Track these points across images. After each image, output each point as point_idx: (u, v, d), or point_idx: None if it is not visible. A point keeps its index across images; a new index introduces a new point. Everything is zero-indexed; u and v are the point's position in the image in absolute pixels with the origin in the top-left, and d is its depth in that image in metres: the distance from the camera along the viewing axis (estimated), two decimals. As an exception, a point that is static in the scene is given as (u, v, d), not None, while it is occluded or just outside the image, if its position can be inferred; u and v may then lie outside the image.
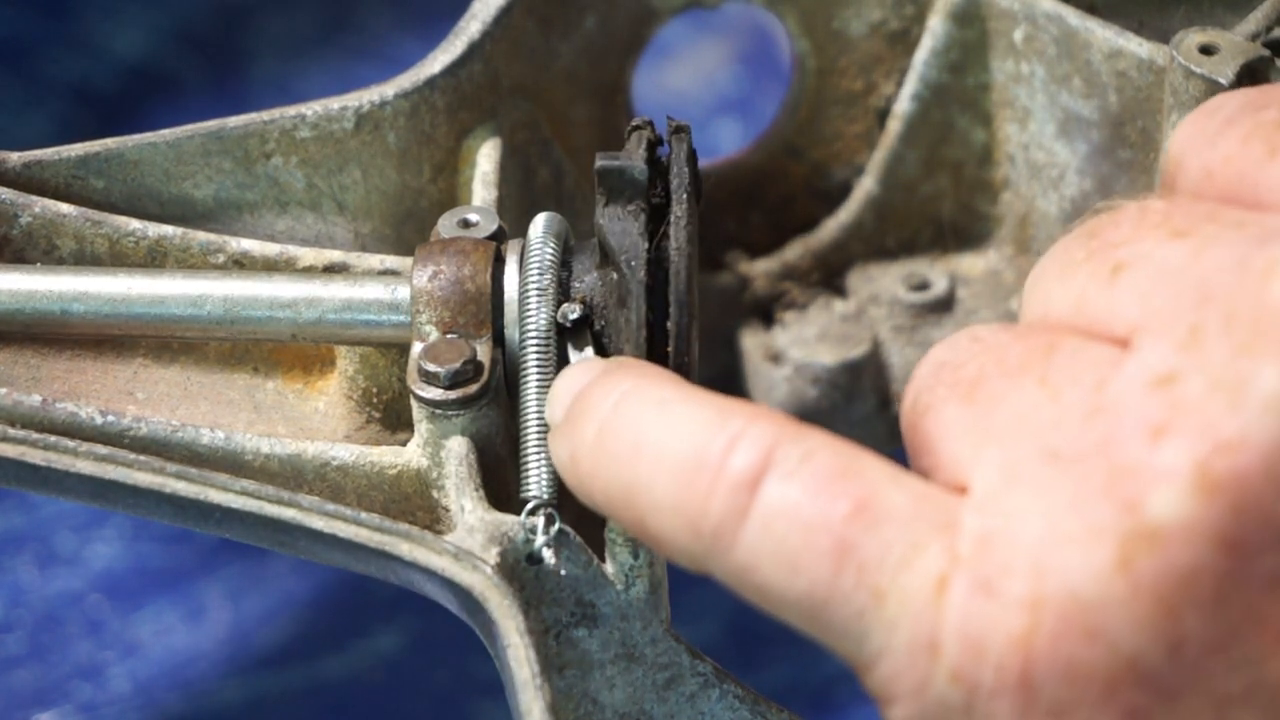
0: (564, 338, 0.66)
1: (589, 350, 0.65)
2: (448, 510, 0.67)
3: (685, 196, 0.64)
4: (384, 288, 0.68)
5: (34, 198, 0.72)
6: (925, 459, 0.55)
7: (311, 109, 0.75)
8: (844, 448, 0.54)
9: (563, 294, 0.66)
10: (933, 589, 0.52)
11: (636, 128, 0.66)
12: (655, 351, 0.64)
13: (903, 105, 0.83)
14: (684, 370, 0.63)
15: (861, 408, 0.83)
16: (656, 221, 0.65)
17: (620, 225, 0.65)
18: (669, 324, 0.63)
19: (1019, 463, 0.52)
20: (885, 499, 0.53)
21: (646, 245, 0.64)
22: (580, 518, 0.63)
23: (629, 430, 0.56)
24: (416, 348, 0.67)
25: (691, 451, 0.54)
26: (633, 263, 0.64)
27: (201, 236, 0.73)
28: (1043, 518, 0.51)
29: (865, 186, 0.85)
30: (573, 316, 0.65)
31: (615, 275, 0.65)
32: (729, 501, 0.54)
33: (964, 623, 0.51)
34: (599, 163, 0.65)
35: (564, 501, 0.64)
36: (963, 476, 0.53)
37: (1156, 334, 0.52)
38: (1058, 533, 0.51)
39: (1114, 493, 0.50)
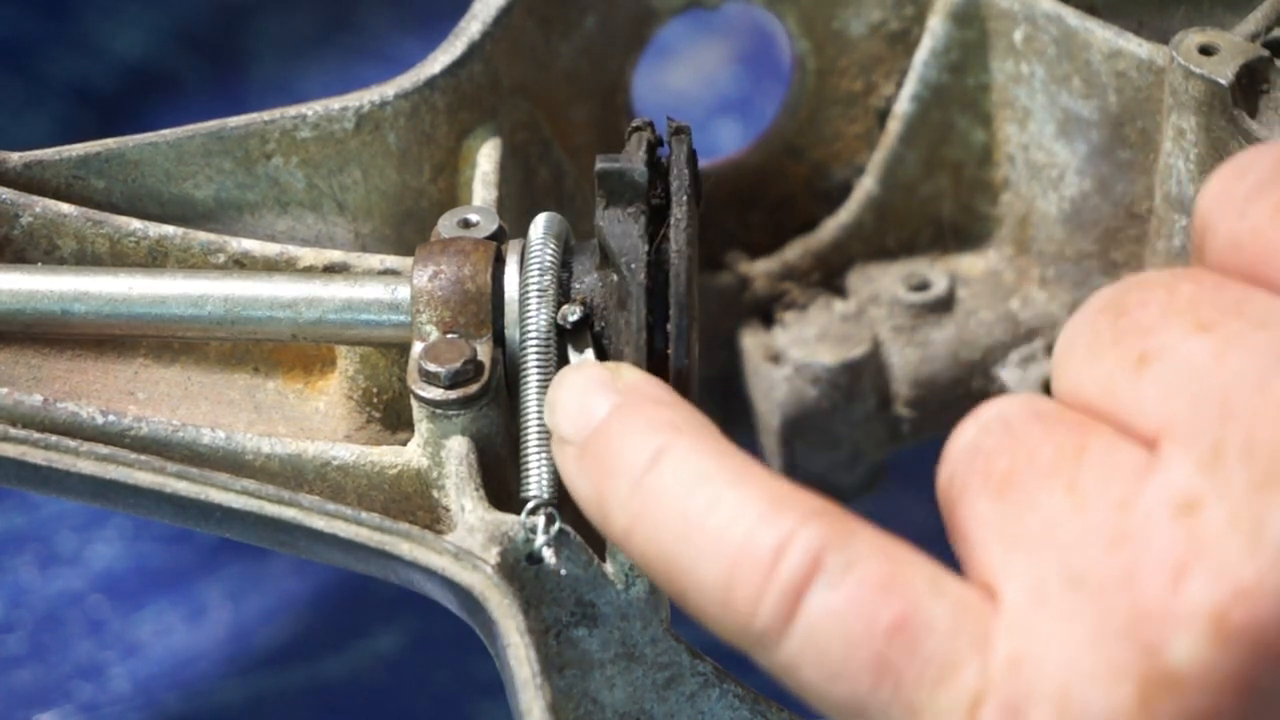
0: (564, 338, 0.66)
1: (589, 352, 0.65)
2: (448, 510, 0.67)
3: (685, 199, 0.64)
4: (384, 288, 0.68)
5: (35, 198, 0.72)
6: (960, 545, 0.57)
7: (311, 109, 0.75)
8: (889, 551, 0.55)
9: (563, 294, 0.66)
10: (966, 709, 0.53)
11: (636, 129, 0.66)
12: (655, 354, 0.64)
13: (903, 105, 0.83)
14: (684, 373, 0.63)
15: (861, 408, 0.83)
16: (657, 223, 0.65)
17: (620, 228, 0.65)
18: (669, 326, 0.63)
19: (1046, 581, 0.53)
20: (925, 613, 0.54)
21: (646, 248, 0.64)
22: (580, 518, 0.63)
23: (673, 507, 0.57)
24: (417, 348, 0.67)
25: (743, 550, 0.55)
26: (633, 265, 0.64)
27: (202, 236, 0.73)
28: (1068, 648, 0.52)
29: (865, 186, 0.85)
30: (573, 318, 0.65)
31: (615, 277, 0.65)
32: (776, 608, 0.55)
33: None
34: (599, 165, 0.65)
35: (564, 501, 0.64)
36: (994, 581, 0.55)
37: (1180, 445, 0.53)
38: (1082, 666, 0.52)
39: (1136, 633, 0.52)
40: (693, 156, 0.65)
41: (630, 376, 0.61)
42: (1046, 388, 0.81)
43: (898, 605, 0.54)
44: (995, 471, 0.56)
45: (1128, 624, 0.52)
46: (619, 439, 0.59)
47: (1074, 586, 0.53)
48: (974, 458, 0.57)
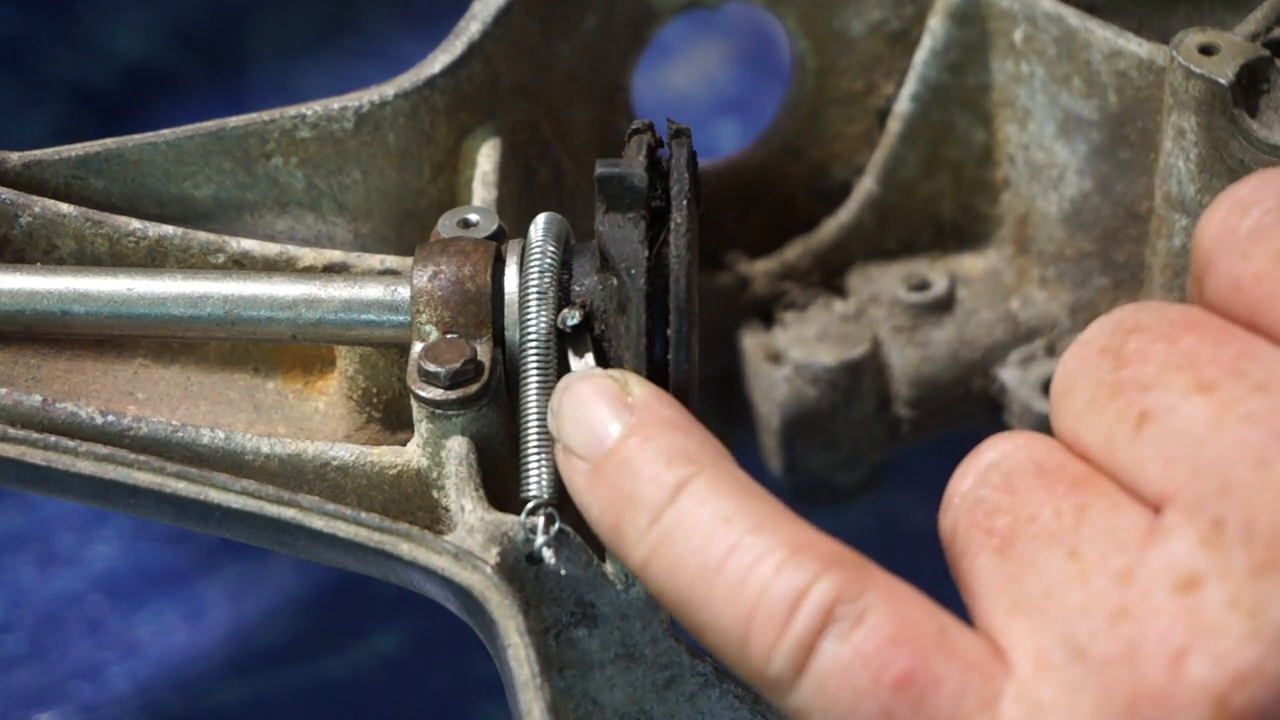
0: (564, 341, 0.65)
1: (589, 357, 0.65)
2: (448, 510, 0.67)
3: (685, 203, 0.64)
4: (384, 288, 0.68)
5: (34, 198, 0.72)
6: (966, 598, 0.57)
7: (311, 109, 0.75)
8: (899, 602, 0.55)
9: (563, 295, 0.66)
10: None
11: (636, 131, 0.66)
12: (655, 359, 0.63)
13: (903, 105, 0.83)
14: (685, 379, 0.63)
15: (861, 408, 0.83)
16: (657, 226, 0.65)
17: (620, 233, 0.64)
18: (669, 332, 0.63)
19: (1049, 649, 0.54)
20: (933, 669, 0.54)
21: (647, 253, 0.64)
22: (580, 519, 0.63)
23: (692, 546, 0.57)
24: (416, 348, 0.67)
25: (761, 599, 0.56)
26: (633, 270, 0.64)
27: (201, 236, 0.73)
28: None
29: (865, 186, 0.85)
30: (572, 322, 0.65)
31: (615, 281, 0.65)
32: (789, 658, 0.55)
33: None
34: (599, 170, 0.64)
35: (564, 501, 0.64)
36: (1000, 640, 0.55)
37: (1181, 516, 0.53)
38: None
39: (1137, 713, 0.52)
40: (693, 159, 0.65)
41: (640, 393, 0.61)
42: (1046, 387, 0.81)
43: (905, 660, 0.54)
44: (996, 529, 0.57)
45: (1129, 702, 0.52)
46: (637, 467, 0.59)
47: (1076, 658, 0.53)
48: (975, 510, 0.58)
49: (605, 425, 0.60)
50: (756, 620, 0.56)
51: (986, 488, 0.58)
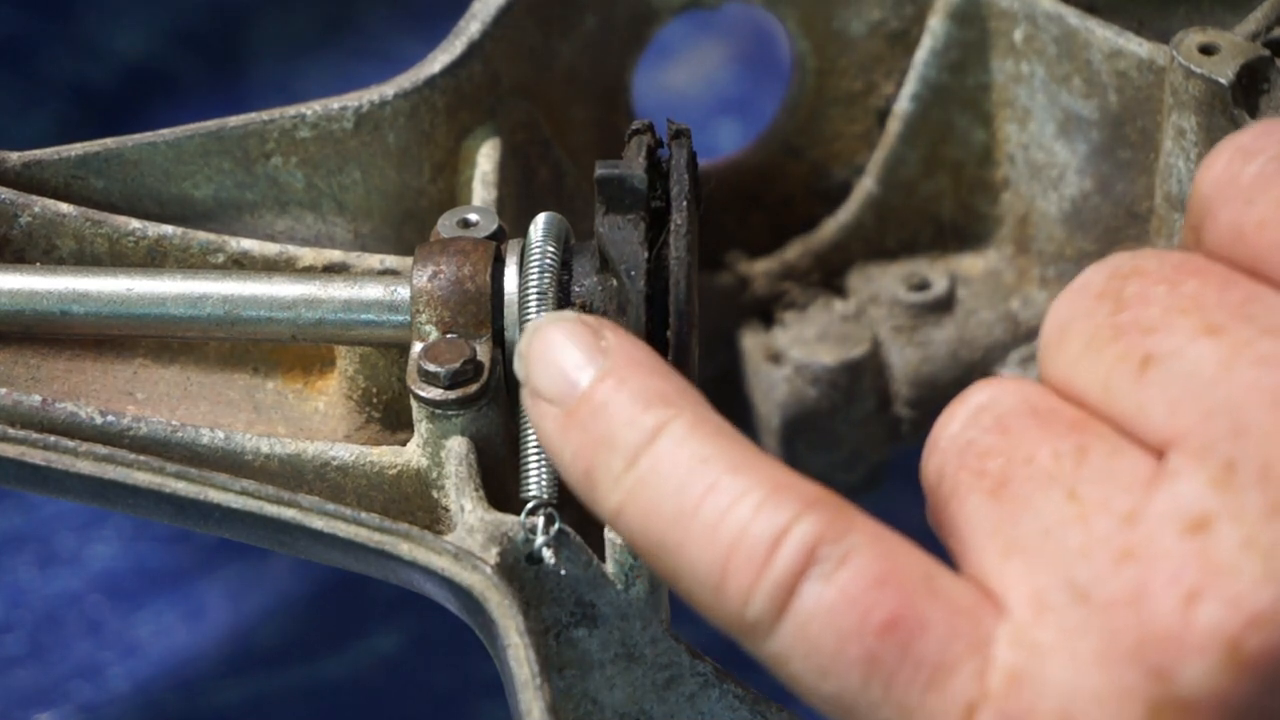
0: (563, 341, 0.65)
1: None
2: (448, 510, 0.67)
3: (685, 204, 0.64)
4: (384, 288, 0.68)
5: (34, 197, 0.72)
6: (951, 543, 0.56)
7: (311, 109, 0.75)
8: (886, 545, 0.54)
9: (563, 295, 0.66)
10: (961, 716, 0.52)
11: (636, 132, 0.66)
12: None
13: (903, 105, 0.83)
14: (684, 378, 0.63)
15: (861, 408, 0.83)
16: (657, 227, 0.65)
17: (620, 234, 0.64)
18: (669, 334, 0.63)
19: (1049, 591, 0.52)
20: (920, 613, 0.53)
21: (646, 254, 0.64)
22: (580, 519, 0.63)
23: (669, 490, 0.55)
24: (416, 348, 0.67)
25: (739, 540, 0.54)
26: (632, 272, 0.64)
27: (201, 236, 0.73)
28: (1072, 664, 0.51)
29: (865, 186, 0.85)
30: (571, 320, 0.65)
31: (615, 282, 0.65)
32: (769, 600, 0.53)
33: None
34: (598, 171, 0.64)
35: (564, 501, 0.64)
36: (992, 584, 0.54)
37: (1190, 458, 0.52)
38: (1087, 687, 0.51)
39: (1145, 656, 0.51)
40: (693, 160, 0.65)
41: (615, 338, 0.58)
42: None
43: (891, 602, 0.53)
44: (989, 471, 0.55)
45: (1136, 645, 0.51)
46: (612, 411, 0.57)
47: (1078, 600, 0.52)
48: (965, 453, 0.56)
49: (577, 369, 0.58)
50: (734, 561, 0.54)
51: (976, 429, 0.56)
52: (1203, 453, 0.51)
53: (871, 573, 0.53)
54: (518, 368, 0.60)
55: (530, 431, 0.65)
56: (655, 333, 0.63)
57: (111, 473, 0.66)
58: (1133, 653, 0.51)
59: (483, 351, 0.66)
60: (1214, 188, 0.55)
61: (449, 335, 0.67)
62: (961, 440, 0.56)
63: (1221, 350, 0.52)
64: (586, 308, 0.65)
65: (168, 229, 0.72)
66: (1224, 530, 0.51)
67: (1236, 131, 0.56)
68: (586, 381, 0.58)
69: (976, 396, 0.57)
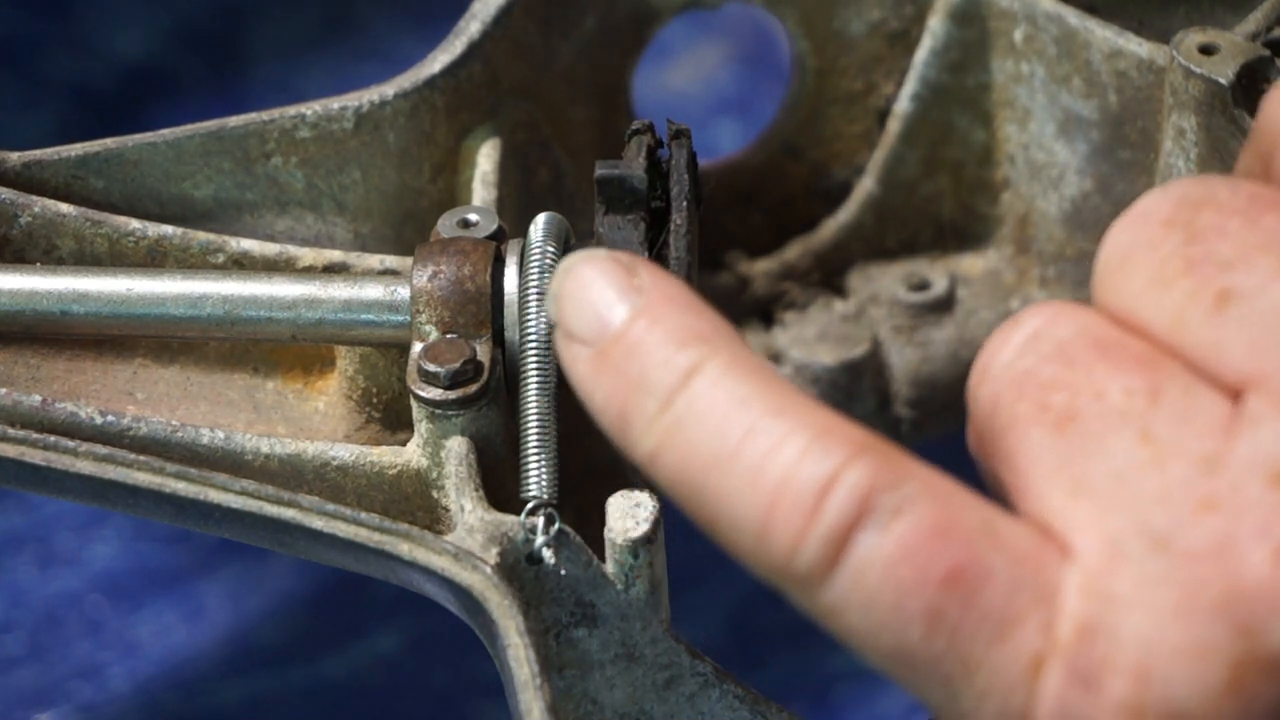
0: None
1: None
2: (448, 510, 0.67)
3: (685, 204, 0.64)
4: (384, 288, 0.68)
5: (34, 198, 0.72)
6: (1008, 477, 0.53)
7: (311, 109, 0.75)
8: (944, 492, 0.51)
9: (562, 294, 0.66)
10: (1027, 669, 0.50)
11: (636, 132, 0.66)
12: None
13: (903, 105, 0.83)
14: None
15: (861, 408, 0.83)
16: (657, 227, 0.65)
17: (620, 234, 0.64)
18: None
19: (1123, 538, 0.50)
20: (982, 562, 0.50)
21: (646, 254, 0.64)
22: (580, 518, 0.63)
23: (707, 432, 0.53)
24: (416, 348, 0.67)
25: (784, 485, 0.51)
26: None
27: (201, 236, 0.73)
28: (1151, 616, 0.49)
29: (865, 186, 0.85)
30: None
31: (615, 280, 0.65)
32: (820, 551, 0.51)
33: (1059, 712, 0.50)
34: (598, 171, 0.64)
35: (564, 501, 0.64)
36: (1057, 526, 0.51)
37: (1270, 402, 0.49)
38: (1167, 639, 0.49)
39: (1231, 611, 0.48)
40: (693, 160, 0.65)
41: (649, 275, 0.56)
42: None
43: (954, 553, 0.50)
44: (1053, 405, 0.52)
45: (1221, 599, 0.48)
46: (645, 350, 0.54)
47: (1158, 549, 0.49)
48: (1024, 384, 0.53)
49: (610, 308, 0.55)
50: (780, 509, 0.51)
51: (1034, 356, 0.53)
52: None
53: (930, 522, 0.50)
54: (550, 308, 0.58)
55: (530, 431, 0.65)
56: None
57: (111, 473, 0.66)
58: (1218, 607, 0.48)
59: (483, 351, 0.66)
60: None
61: (449, 335, 0.67)
62: (1019, 368, 0.53)
63: None
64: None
65: (168, 229, 0.72)
66: None
67: None
68: (619, 320, 0.55)
69: (1031, 321, 0.53)
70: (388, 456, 0.68)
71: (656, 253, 0.64)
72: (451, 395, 0.66)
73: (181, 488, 0.65)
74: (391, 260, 0.72)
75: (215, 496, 0.65)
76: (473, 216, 0.70)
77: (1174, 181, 0.54)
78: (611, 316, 0.55)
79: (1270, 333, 0.50)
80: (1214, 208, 0.52)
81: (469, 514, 0.65)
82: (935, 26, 0.82)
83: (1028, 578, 0.50)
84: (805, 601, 0.52)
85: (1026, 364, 0.53)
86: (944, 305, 0.84)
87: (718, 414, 0.53)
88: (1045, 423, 0.52)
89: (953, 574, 0.50)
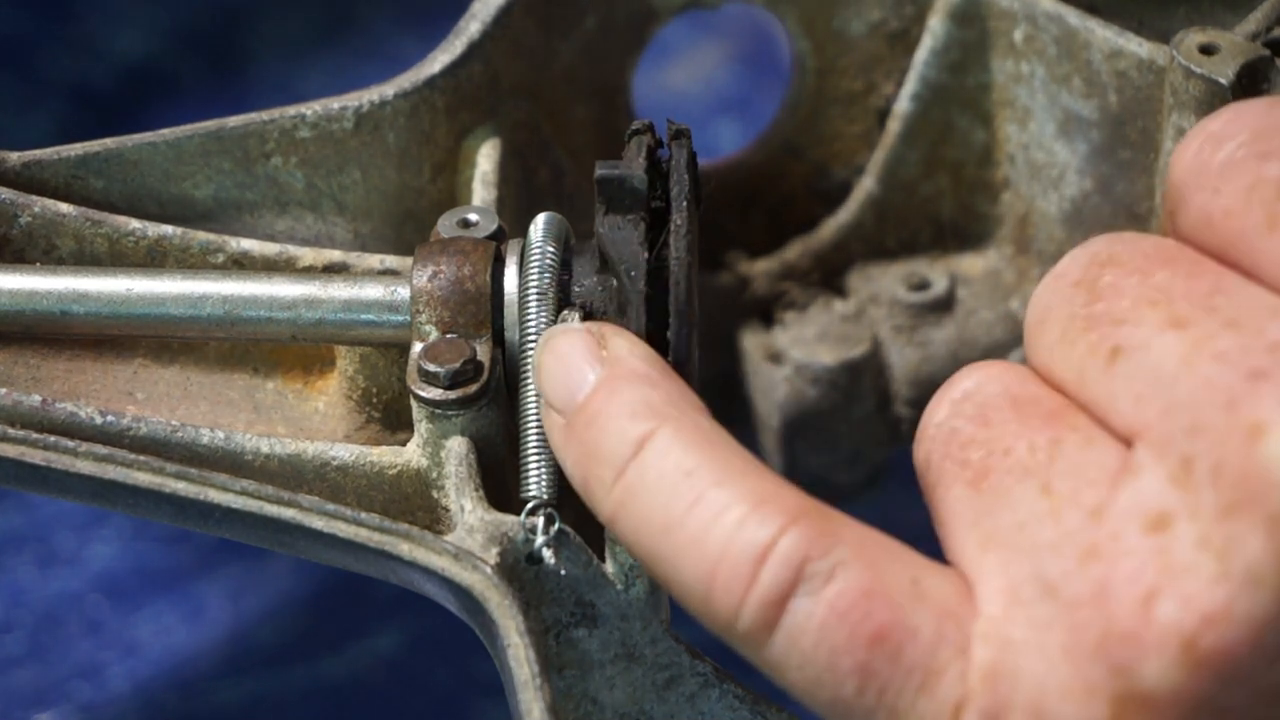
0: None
1: (576, 316, 0.65)
2: (448, 510, 0.67)
3: (685, 205, 0.64)
4: (384, 288, 0.68)
5: (34, 198, 0.72)
6: (939, 530, 0.57)
7: (311, 109, 0.75)
8: (870, 554, 0.55)
9: (563, 295, 0.66)
10: (951, 716, 0.54)
11: (636, 132, 0.66)
12: None
13: (903, 105, 0.83)
14: (684, 378, 0.63)
15: (861, 408, 0.83)
16: (657, 227, 0.64)
17: (620, 235, 0.64)
18: (669, 334, 0.63)
19: (1020, 587, 0.54)
20: (908, 620, 0.54)
21: (646, 255, 0.64)
22: (580, 518, 0.63)
23: (655, 501, 0.57)
24: (416, 348, 0.67)
25: (724, 555, 0.55)
26: (632, 273, 0.64)
27: (201, 236, 0.73)
28: (1042, 661, 0.53)
29: (865, 186, 0.85)
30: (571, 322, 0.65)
31: (615, 282, 0.65)
32: (758, 614, 0.55)
33: None
34: (598, 172, 0.64)
35: (564, 501, 0.64)
36: (970, 576, 0.55)
37: (1151, 453, 0.53)
38: (1056, 682, 0.53)
39: (1108, 652, 0.52)
40: (693, 160, 0.65)
41: (617, 346, 0.61)
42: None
43: (880, 614, 0.54)
44: (971, 462, 0.56)
45: (1100, 642, 0.52)
46: (602, 422, 0.59)
47: (1047, 596, 0.53)
48: (949, 442, 0.57)
49: (579, 380, 0.60)
50: (720, 576, 0.55)
51: (960, 419, 0.57)
52: (1163, 448, 0.53)
53: (858, 586, 0.54)
54: (534, 380, 0.62)
55: (530, 431, 0.65)
56: (655, 333, 0.63)
57: (111, 473, 0.66)
58: (1097, 649, 0.52)
59: (483, 351, 0.66)
60: (1185, 174, 0.56)
61: (449, 335, 0.67)
62: (946, 429, 0.58)
63: (1183, 345, 0.53)
64: (586, 308, 0.65)
65: (168, 229, 0.72)
66: (1181, 529, 0.52)
67: (1209, 116, 0.57)
68: (583, 393, 0.60)
69: (963, 383, 0.58)
70: (388, 456, 0.68)
71: (656, 253, 0.64)
72: (451, 395, 0.66)
73: (181, 488, 0.65)
74: (391, 260, 0.72)
75: (215, 496, 0.65)
76: (473, 216, 0.70)
77: (1090, 240, 0.58)
78: (578, 388, 0.60)
79: (1152, 386, 0.53)
80: (1115, 266, 0.56)
81: (469, 514, 0.65)
82: (935, 26, 0.82)
83: (949, 631, 0.54)
84: (751, 657, 0.56)
85: (953, 424, 0.58)
86: (944, 305, 0.84)
87: (666, 485, 0.57)
88: (964, 479, 0.56)
89: (880, 633, 0.54)
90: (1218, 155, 0.56)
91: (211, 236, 0.73)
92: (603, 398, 0.59)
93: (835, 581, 0.54)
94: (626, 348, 0.61)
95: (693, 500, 0.56)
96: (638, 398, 0.59)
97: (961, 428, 0.57)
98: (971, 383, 0.58)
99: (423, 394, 0.66)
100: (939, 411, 0.58)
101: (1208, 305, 0.54)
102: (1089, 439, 0.55)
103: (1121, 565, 0.52)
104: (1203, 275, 0.55)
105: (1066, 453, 0.55)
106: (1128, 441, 0.54)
